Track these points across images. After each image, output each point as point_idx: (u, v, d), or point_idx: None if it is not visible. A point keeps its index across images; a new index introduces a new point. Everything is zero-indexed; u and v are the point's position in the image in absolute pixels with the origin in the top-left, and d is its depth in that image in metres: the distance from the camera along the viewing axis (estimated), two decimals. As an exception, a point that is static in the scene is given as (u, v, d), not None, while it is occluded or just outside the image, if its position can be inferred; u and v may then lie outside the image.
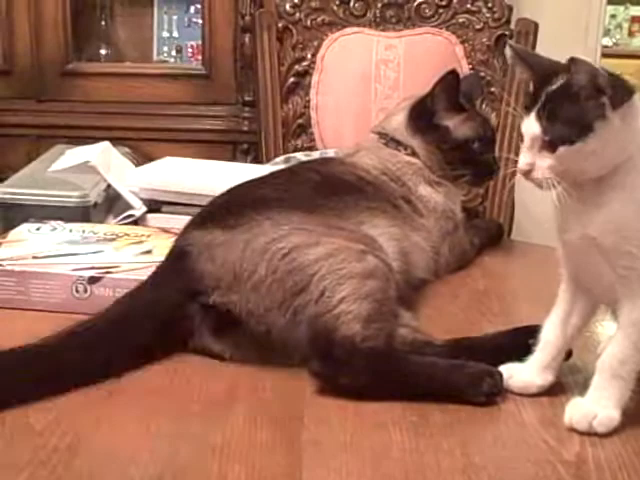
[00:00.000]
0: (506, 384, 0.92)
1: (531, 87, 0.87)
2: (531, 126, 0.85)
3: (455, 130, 1.40)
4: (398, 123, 1.44)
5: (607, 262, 0.86)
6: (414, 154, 1.41)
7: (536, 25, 1.86)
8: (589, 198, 0.85)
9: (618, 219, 0.84)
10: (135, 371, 0.96)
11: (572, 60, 0.83)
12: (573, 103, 0.83)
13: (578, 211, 0.86)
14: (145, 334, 0.98)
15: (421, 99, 1.42)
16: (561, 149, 0.83)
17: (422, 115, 1.41)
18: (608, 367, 0.87)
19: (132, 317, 1.00)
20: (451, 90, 1.39)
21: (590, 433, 0.85)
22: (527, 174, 0.86)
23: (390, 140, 1.43)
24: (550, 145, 0.84)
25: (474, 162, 1.41)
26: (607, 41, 4.69)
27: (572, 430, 0.86)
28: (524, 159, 0.86)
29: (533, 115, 0.85)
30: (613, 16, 5.05)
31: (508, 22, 1.89)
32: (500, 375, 0.92)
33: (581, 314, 0.93)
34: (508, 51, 0.91)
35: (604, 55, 3.49)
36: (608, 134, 0.82)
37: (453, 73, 1.38)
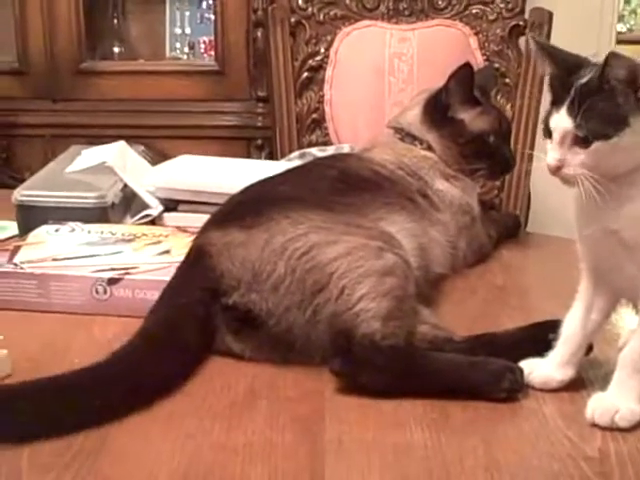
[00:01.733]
0: (527, 379, 0.92)
1: (553, 82, 0.86)
2: (562, 121, 0.83)
3: (470, 123, 1.39)
4: (413, 117, 1.44)
5: (629, 256, 0.85)
6: (430, 148, 1.40)
7: (550, 14, 1.84)
8: (613, 193, 0.84)
9: (638, 212, 0.83)
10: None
11: (612, 54, 0.82)
12: (609, 97, 0.81)
13: (600, 206, 0.85)
14: (190, 337, 0.98)
15: (436, 93, 1.42)
16: (596, 144, 0.82)
17: (437, 109, 1.41)
18: (630, 362, 0.86)
19: (173, 323, 0.99)
20: (465, 83, 1.38)
21: (612, 428, 0.85)
22: (557, 170, 0.84)
23: (406, 135, 1.43)
24: (583, 140, 0.82)
25: (490, 156, 1.40)
26: (621, 27, 4.64)
27: (594, 425, 0.86)
28: (554, 155, 0.84)
29: (564, 110, 0.83)
30: (627, 2, 5.01)
31: (522, 12, 1.88)
32: (521, 371, 0.92)
33: (601, 309, 0.93)
34: (531, 45, 0.89)
35: (618, 41, 3.46)
36: None
37: (467, 66, 1.38)
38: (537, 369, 0.93)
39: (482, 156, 1.40)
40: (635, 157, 0.83)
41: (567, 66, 0.85)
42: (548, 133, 0.86)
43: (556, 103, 0.85)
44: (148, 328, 0.98)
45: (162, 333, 0.98)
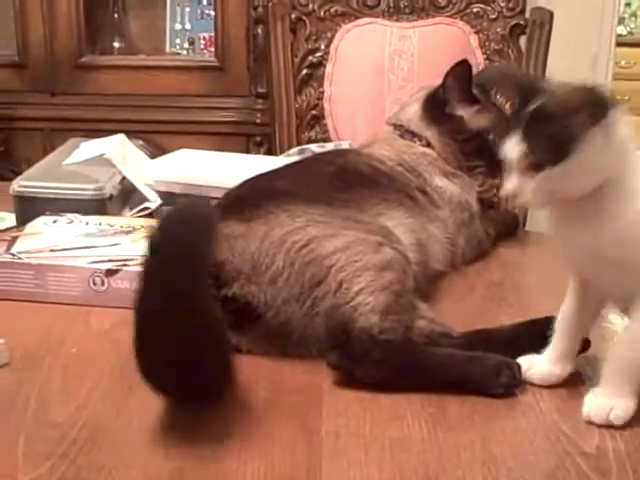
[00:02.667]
0: (525, 376, 0.92)
1: (510, 108, 0.86)
2: (512, 149, 0.84)
3: (469, 121, 1.39)
4: (413, 114, 1.44)
5: (609, 270, 0.85)
6: (429, 145, 1.40)
7: (551, 14, 1.84)
8: (582, 214, 0.84)
9: (610, 236, 0.83)
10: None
11: (546, 81, 0.83)
12: (552, 123, 0.81)
13: (575, 227, 0.85)
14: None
15: (435, 89, 1.42)
16: (543, 172, 0.82)
17: (436, 105, 1.41)
18: (618, 358, 0.87)
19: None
20: (463, 80, 1.38)
21: (608, 426, 0.85)
22: (514, 199, 0.85)
23: (405, 131, 1.43)
24: (534, 167, 0.83)
25: (490, 154, 1.40)
26: (622, 30, 4.65)
27: (591, 423, 0.86)
28: (509, 183, 0.85)
29: (514, 138, 0.84)
30: (628, 4, 5.01)
31: (523, 11, 1.88)
32: (518, 367, 0.92)
33: (593, 306, 0.93)
34: (480, 77, 0.89)
35: (619, 44, 3.46)
36: (589, 153, 0.81)
37: (464, 63, 1.38)
38: (535, 365, 0.93)
39: (481, 154, 1.40)
40: (588, 180, 0.83)
41: (523, 93, 0.85)
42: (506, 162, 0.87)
43: (510, 130, 0.85)
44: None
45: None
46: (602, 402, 0.86)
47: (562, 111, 0.81)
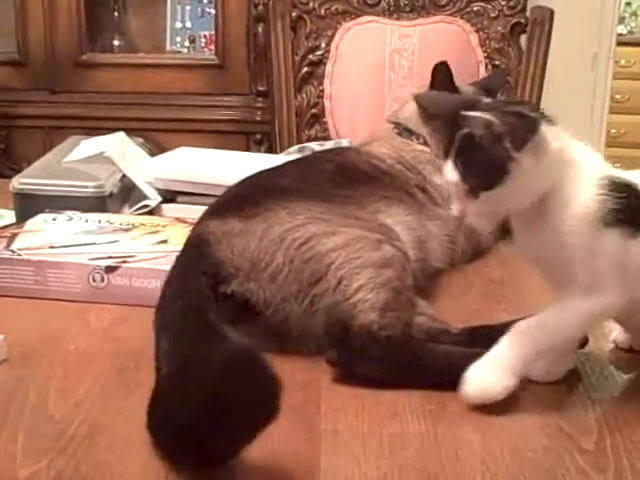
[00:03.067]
0: (528, 374, 0.92)
1: (442, 132, 0.88)
2: (450, 174, 0.86)
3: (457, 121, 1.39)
4: (410, 112, 1.44)
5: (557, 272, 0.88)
6: (426, 143, 1.41)
7: (552, 12, 1.85)
8: (527, 223, 0.87)
9: (551, 241, 0.86)
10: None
11: (461, 117, 0.84)
12: (480, 151, 0.83)
13: (522, 233, 0.89)
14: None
15: (428, 87, 1.42)
16: (482, 195, 0.84)
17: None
18: (517, 331, 0.88)
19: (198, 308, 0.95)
20: (445, 80, 1.39)
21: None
22: (462, 221, 0.89)
23: (403, 129, 1.43)
24: (471, 192, 0.85)
25: None
26: (622, 29, 4.65)
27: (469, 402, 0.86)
28: (455, 207, 0.88)
29: (450, 163, 0.86)
30: (628, 4, 5.01)
31: (523, 10, 1.89)
32: (517, 364, 0.92)
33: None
34: (418, 106, 0.91)
35: (619, 43, 3.46)
36: (523, 173, 0.83)
37: (442, 64, 1.39)
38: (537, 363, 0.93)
39: None
40: (527, 196, 0.85)
41: (453, 119, 0.86)
42: None
43: (445, 155, 0.87)
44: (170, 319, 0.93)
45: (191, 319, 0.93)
46: (479, 381, 0.87)
47: (486, 139, 0.83)
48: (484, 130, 0.83)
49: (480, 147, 0.83)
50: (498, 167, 0.83)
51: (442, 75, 1.38)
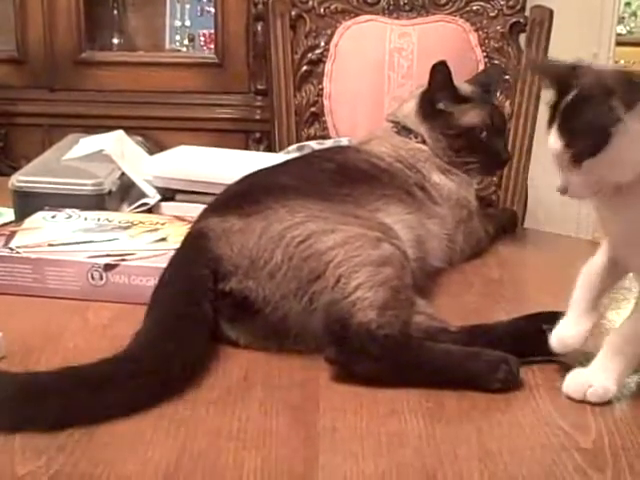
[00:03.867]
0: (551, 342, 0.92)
1: (551, 99, 0.85)
2: (554, 142, 0.83)
3: (460, 117, 1.40)
4: (409, 110, 1.44)
5: None
6: (424, 142, 1.41)
7: (551, 12, 1.84)
8: (625, 200, 0.83)
9: None
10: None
11: (575, 66, 0.81)
12: (587, 112, 0.80)
13: (615, 211, 0.85)
14: (206, 315, 0.97)
15: (428, 87, 1.43)
16: (586, 163, 0.81)
17: (427, 101, 1.42)
18: (613, 343, 0.88)
19: (186, 304, 0.98)
20: (444, 79, 1.39)
21: (584, 401, 0.87)
22: (564, 194, 0.85)
23: (402, 128, 1.43)
24: (575, 160, 0.82)
25: (482, 151, 1.41)
26: (621, 29, 4.65)
27: (568, 398, 0.88)
28: (560, 180, 0.84)
29: (554, 132, 0.83)
30: (628, 4, 5.01)
31: (523, 9, 1.88)
32: (516, 362, 0.92)
33: (616, 272, 0.92)
34: (529, 69, 0.89)
35: (618, 43, 3.46)
36: (629, 138, 0.79)
37: (441, 63, 1.38)
38: (559, 328, 0.93)
39: (473, 150, 1.40)
40: (632, 166, 0.81)
41: (560, 84, 0.84)
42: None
43: (549, 125, 0.84)
44: (163, 310, 0.96)
45: (181, 314, 0.96)
46: (582, 379, 0.88)
47: (596, 95, 0.79)
48: (595, 85, 0.79)
49: (588, 105, 0.80)
50: (603, 129, 0.79)
51: (441, 74, 1.38)
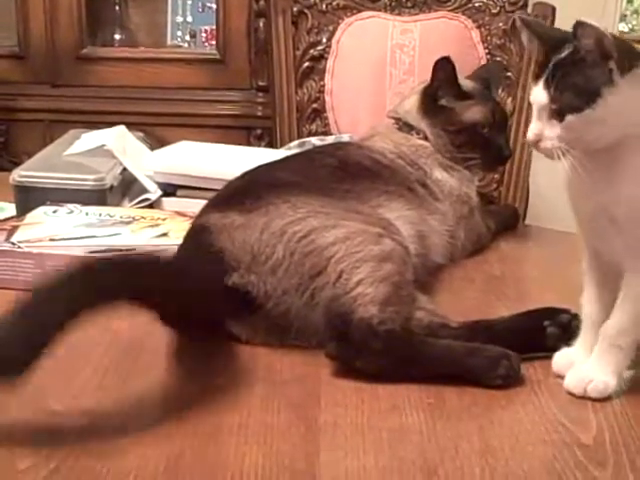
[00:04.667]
0: (566, 371, 0.92)
1: (539, 56, 0.87)
2: (539, 95, 0.85)
3: (461, 113, 1.40)
4: (410, 106, 1.44)
5: (617, 232, 0.86)
6: (426, 138, 1.41)
7: (553, 9, 1.84)
8: (601, 168, 0.84)
9: (628, 190, 0.84)
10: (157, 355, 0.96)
11: (578, 23, 0.82)
12: (580, 69, 0.82)
13: (590, 181, 0.85)
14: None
15: (429, 83, 1.42)
16: (569, 117, 0.82)
17: (429, 97, 1.42)
18: (607, 336, 0.88)
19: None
20: (448, 75, 1.39)
21: (585, 398, 0.88)
22: (536, 144, 0.86)
23: (403, 124, 1.43)
24: (558, 114, 0.83)
25: (484, 147, 1.41)
26: (623, 27, 4.64)
27: (569, 394, 0.89)
28: (532, 129, 0.86)
29: (541, 84, 0.84)
30: (630, 1, 4.99)
31: (525, 6, 1.88)
32: (517, 358, 0.92)
33: (614, 280, 0.91)
34: (517, 22, 0.90)
35: (620, 41, 3.45)
36: (617, 101, 0.81)
37: (445, 59, 1.39)
38: (571, 359, 0.92)
39: (475, 146, 1.40)
40: (611, 130, 0.83)
41: (551, 41, 0.86)
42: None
43: (536, 78, 0.85)
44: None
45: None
46: (583, 374, 0.88)
47: (593, 53, 0.81)
48: (594, 43, 0.81)
49: (583, 64, 0.81)
50: (594, 88, 0.81)
51: (444, 70, 1.38)
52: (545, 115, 0.84)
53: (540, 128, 0.85)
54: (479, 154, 1.40)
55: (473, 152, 1.40)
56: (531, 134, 0.86)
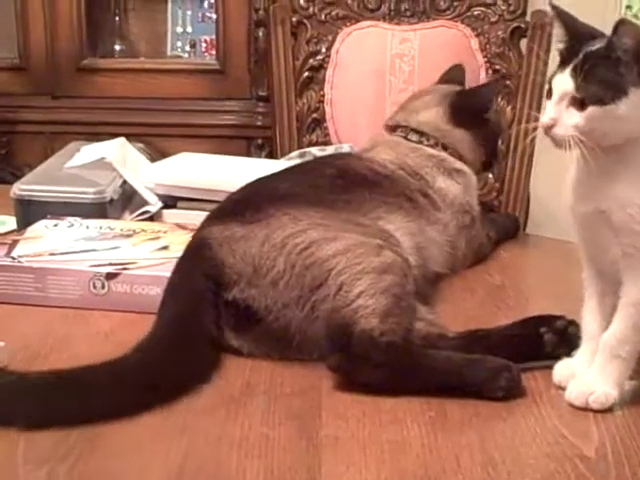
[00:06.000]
0: (567, 382, 0.91)
1: (563, 47, 0.88)
2: (564, 82, 0.85)
3: (495, 125, 1.49)
4: (433, 117, 1.44)
5: (614, 238, 0.86)
6: (436, 145, 1.41)
7: (552, 17, 1.84)
8: (603, 171, 0.85)
9: (626, 195, 0.85)
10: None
11: (621, 21, 0.83)
12: (612, 65, 0.83)
13: (591, 185, 0.87)
14: (209, 323, 0.98)
15: (463, 95, 1.47)
16: (591, 108, 0.84)
17: (469, 111, 1.45)
18: (608, 346, 0.88)
19: (191, 311, 0.99)
20: (493, 94, 1.51)
21: (587, 409, 0.87)
22: (549, 128, 0.86)
23: (411, 132, 1.43)
24: (580, 103, 0.84)
25: (496, 154, 1.53)
26: (622, 32, 4.64)
27: (571, 406, 0.88)
28: (549, 113, 0.86)
29: (568, 71, 0.85)
30: (629, 7, 5.00)
31: (524, 14, 1.88)
32: (517, 370, 0.92)
33: (613, 290, 0.91)
34: (549, 10, 0.92)
35: (620, 47, 3.45)
36: (639, 102, 0.83)
37: (496, 81, 1.59)
38: (576, 371, 0.92)
39: (493, 153, 1.51)
40: (627, 128, 0.85)
41: (580, 34, 0.88)
42: (550, 94, 0.87)
43: (562, 65, 0.86)
44: (165, 319, 0.98)
45: (181, 323, 0.98)
46: (584, 386, 0.88)
47: (630, 52, 0.83)
48: (634, 43, 0.82)
49: (617, 60, 0.83)
50: (623, 85, 0.83)
51: (493, 90, 1.53)
52: (565, 102, 0.85)
53: (557, 113, 0.86)
54: (493, 160, 1.54)
55: (491, 157, 1.51)
56: (547, 118, 0.86)
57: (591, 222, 0.89)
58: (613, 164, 0.85)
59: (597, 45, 0.85)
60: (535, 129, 0.89)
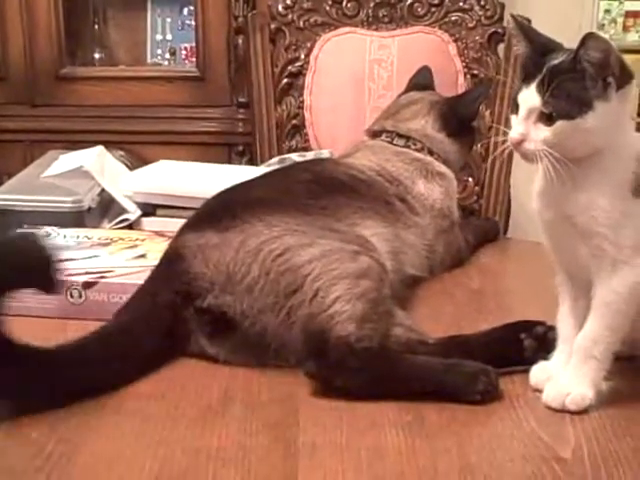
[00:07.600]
0: (544, 385, 0.92)
1: (526, 60, 0.88)
2: (531, 97, 0.86)
3: (480, 129, 1.57)
4: (422, 126, 1.47)
5: (582, 241, 0.87)
6: (422, 149, 1.43)
7: (529, 21, 1.85)
8: (570, 178, 0.86)
9: (590, 199, 0.86)
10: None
11: (590, 35, 0.83)
12: (578, 79, 0.84)
13: (557, 192, 0.87)
14: (149, 341, 0.98)
15: (453, 105, 1.49)
16: (559, 123, 0.84)
17: (459, 119, 1.49)
18: (582, 348, 0.88)
19: (134, 327, 0.99)
20: (482, 101, 1.55)
21: (564, 411, 0.88)
22: (518, 144, 0.87)
23: (396, 136, 1.44)
24: (548, 118, 0.85)
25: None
26: (602, 36, 4.66)
27: (548, 408, 0.89)
28: (518, 129, 0.87)
29: (534, 87, 0.85)
30: (607, 11, 5.03)
31: (501, 19, 1.89)
32: (495, 374, 0.92)
33: (585, 293, 0.92)
34: (511, 22, 0.92)
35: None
36: (606, 114, 0.84)
37: (487, 88, 1.60)
38: (553, 373, 0.92)
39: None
40: (594, 141, 0.85)
41: (542, 47, 0.88)
42: (515, 108, 0.88)
43: (526, 80, 0.87)
44: (106, 328, 0.98)
45: (117, 336, 0.98)
46: (560, 388, 0.89)
47: (597, 66, 0.83)
48: (600, 58, 0.83)
49: (583, 74, 0.83)
50: (589, 99, 0.83)
51: (484, 97, 1.54)
52: (533, 117, 0.86)
53: (525, 129, 0.86)
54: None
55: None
56: (516, 134, 0.86)
57: (558, 227, 0.89)
58: (578, 173, 0.86)
59: (560, 58, 0.85)
60: (505, 142, 0.89)
